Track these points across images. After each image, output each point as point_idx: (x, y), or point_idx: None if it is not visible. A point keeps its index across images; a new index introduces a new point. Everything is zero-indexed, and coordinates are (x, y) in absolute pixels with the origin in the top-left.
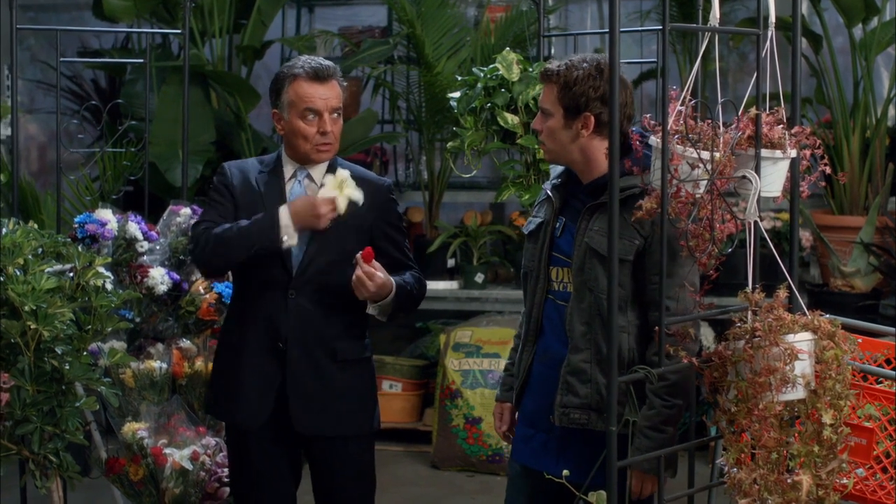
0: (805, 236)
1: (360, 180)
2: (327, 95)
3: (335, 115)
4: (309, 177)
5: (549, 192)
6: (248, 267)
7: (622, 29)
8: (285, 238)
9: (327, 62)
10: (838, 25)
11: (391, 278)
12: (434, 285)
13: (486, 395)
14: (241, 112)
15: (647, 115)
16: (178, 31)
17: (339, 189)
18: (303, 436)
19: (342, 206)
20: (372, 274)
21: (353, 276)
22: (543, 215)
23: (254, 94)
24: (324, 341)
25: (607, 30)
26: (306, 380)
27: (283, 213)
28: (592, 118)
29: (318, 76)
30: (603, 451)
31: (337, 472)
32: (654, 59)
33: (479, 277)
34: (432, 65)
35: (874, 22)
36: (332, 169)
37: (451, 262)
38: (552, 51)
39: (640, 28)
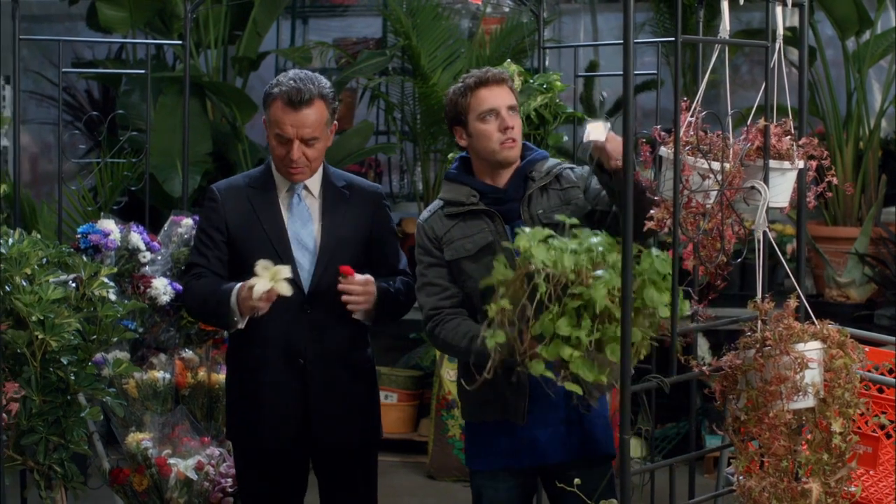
0: None
1: (353, 188)
2: (298, 124)
3: (311, 141)
4: (305, 188)
5: (476, 207)
6: None
7: (636, 41)
8: (236, 319)
9: (309, 85)
10: (829, 38)
11: (372, 288)
12: None
13: None
14: (238, 123)
15: (658, 126)
16: (178, 42)
17: (273, 280)
18: (324, 448)
19: (259, 291)
20: (351, 288)
21: (351, 293)
22: (485, 229)
23: (250, 104)
24: (339, 353)
25: (615, 41)
26: (328, 393)
27: (233, 296)
28: None
29: (292, 102)
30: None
31: (350, 481)
32: (651, 71)
33: None
34: (428, 76)
35: (867, 34)
36: (326, 181)
37: None
38: (547, 62)
39: (652, 40)
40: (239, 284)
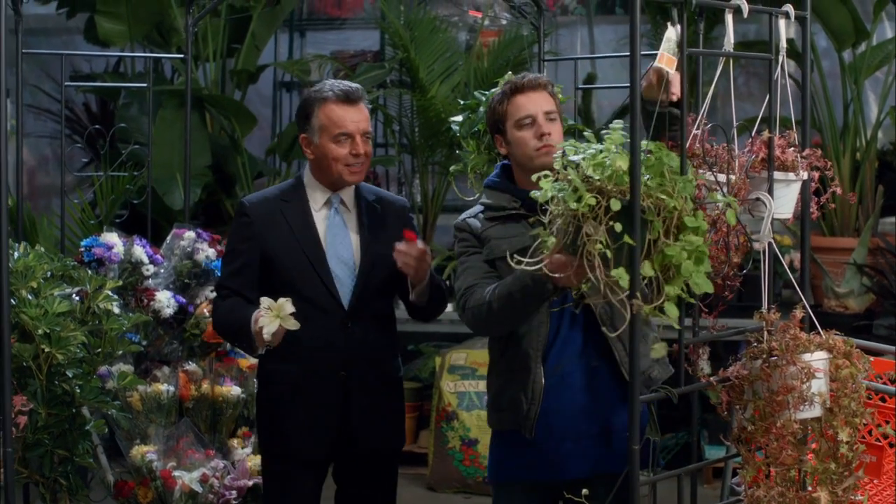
0: (797, 258)
1: (383, 201)
2: (358, 118)
3: (367, 135)
4: (342, 202)
5: (518, 212)
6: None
7: (644, 52)
8: (256, 346)
9: (355, 85)
10: (825, 49)
11: (429, 260)
12: None
13: (482, 417)
14: (238, 136)
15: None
16: (179, 55)
17: (278, 318)
18: (361, 455)
19: (269, 331)
20: (424, 250)
21: (408, 257)
22: (523, 233)
23: (250, 117)
24: (377, 364)
25: (618, 54)
26: (367, 404)
27: (254, 326)
28: None
29: (349, 99)
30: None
31: (376, 487)
32: None
33: None
34: (426, 88)
35: (863, 46)
36: (358, 194)
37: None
38: (545, 75)
39: (657, 52)
40: (254, 315)
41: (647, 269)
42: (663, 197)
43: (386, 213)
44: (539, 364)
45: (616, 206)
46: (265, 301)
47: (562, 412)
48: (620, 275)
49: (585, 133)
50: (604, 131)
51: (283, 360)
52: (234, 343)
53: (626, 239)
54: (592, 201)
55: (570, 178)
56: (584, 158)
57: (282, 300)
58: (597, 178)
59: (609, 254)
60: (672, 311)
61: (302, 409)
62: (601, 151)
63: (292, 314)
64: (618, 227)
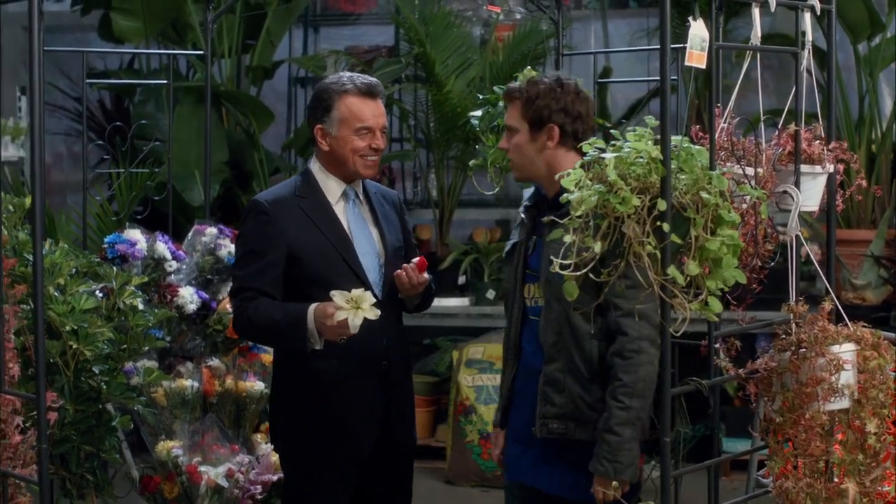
0: (814, 250)
1: (384, 194)
2: (378, 113)
3: (384, 132)
4: (356, 194)
5: (521, 214)
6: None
7: (673, 46)
8: (312, 341)
9: (374, 79)
10: (838, 42)
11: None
12: (446, 302)
13: None
14: (255, 132)
15: (697, 126)
16: (197, 52)
17: (354, 308)
18: (399, 447)
19: (356, 324)
20: (425, 281)
21: (407, 281)
22: (518, 237)
23: (267, 113)
24: (407, 355)
25: (646, 48)
26: (404, 393)
27: (310, 319)
28: (556, 129)
29: (371, 93)
30: (582, 460)
31: (399, 484)
32: (672, 77)
33: (491, 294)
34: (441, 83)
35: (878, 38)
36: (364, 187)
37: (461, 279)
38: (560, 69)
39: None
40: (313, 307)
41: (692, 268)
42: (703, 195)
43: (388, 205)
44: (512, 364)
45: (663, 206)
46: (341, 295)
47: (522, 413)
48: (675, 274)
49: (612, 130)
50: (629, 127)
51: (327, 356)
52: (271, 343)
53: (674, 238)
54: (637, 202)
55: (609, 179)
56: (618, 157)
57: (357, 291)
58: (634, 176)
59: (658, 254)
60: (716, 305)
61: (350, 406)
62: (638, 151)
63: (373, 304)
64: (665, 226)
